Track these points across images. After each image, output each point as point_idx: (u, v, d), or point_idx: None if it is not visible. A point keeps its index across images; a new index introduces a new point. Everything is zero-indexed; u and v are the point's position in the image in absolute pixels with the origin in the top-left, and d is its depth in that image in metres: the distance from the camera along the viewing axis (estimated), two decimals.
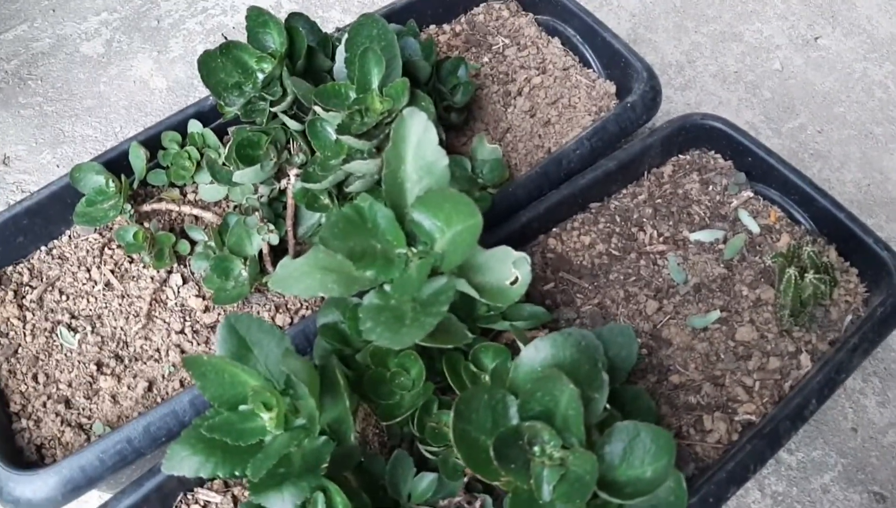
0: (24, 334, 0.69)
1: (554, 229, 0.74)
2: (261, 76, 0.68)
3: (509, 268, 0.56)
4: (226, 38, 0.71)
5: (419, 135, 0.55)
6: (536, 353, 0.48)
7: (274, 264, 0.71)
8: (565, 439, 0.46)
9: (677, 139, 0.77)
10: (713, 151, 0.78)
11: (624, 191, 0.76)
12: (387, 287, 0.55)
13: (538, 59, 0.85)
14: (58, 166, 1.00)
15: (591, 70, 0.84)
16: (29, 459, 0.63)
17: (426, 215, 0.54)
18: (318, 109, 0.66)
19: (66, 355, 0.68)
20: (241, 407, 0.50)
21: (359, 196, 0.57)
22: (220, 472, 0.48)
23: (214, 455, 0.48)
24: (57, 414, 0.65)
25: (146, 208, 0.74)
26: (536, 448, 0.46)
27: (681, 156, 0.78)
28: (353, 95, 0.66)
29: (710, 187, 0.76)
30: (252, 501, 0.49)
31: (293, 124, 0.70)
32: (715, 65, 1.11)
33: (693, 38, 1.14)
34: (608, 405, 0.47)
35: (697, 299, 0.70)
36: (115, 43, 1.13)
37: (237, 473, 0.48)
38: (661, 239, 0.73)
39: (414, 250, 0.55)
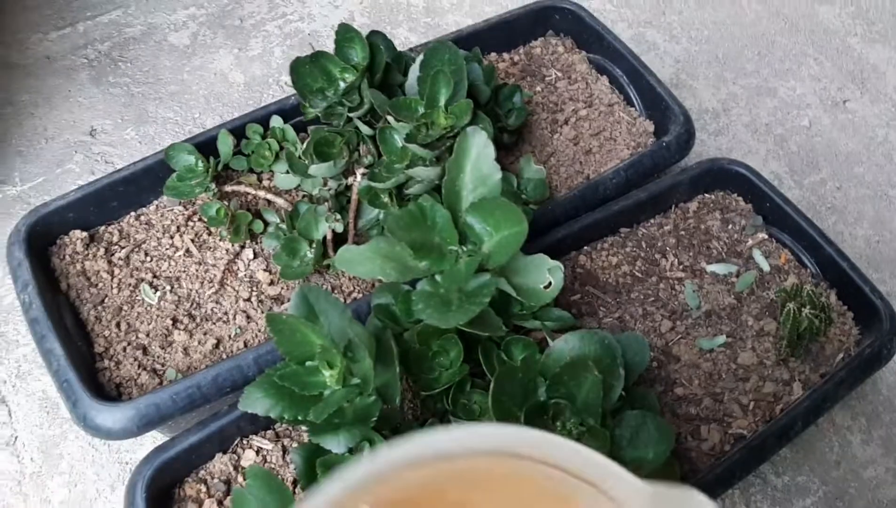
0: (111, 286, 0.79)
1: (585, 248, 0.82)
2: (343, 84, 0.78)
3: (545, 274, 0.65)
4: (313, 47, 0.80)
5: (479, 150, 0.64)
6: (565, 344, 0.57)
7: (334, 251, 0.80)
8: (584, 419, 0.54)
9: (705, 179, 0.86)
10: (736, 194, 0.87)
11: (652, 220, 0.85)
12: (437, 278, 0.64)
13: (586, 94, 0.94)
14: (140, 143, 1.10)
15: (633, 109, 0.93)
16: (109, 395, 0.73)
17: (478, 219, 0.63)
18: (390, 118, 0.75)
19: (146, 309, 0.78)
20: (308, 363, 0.59)
21: (420, 197, 0.67)
22: (286, 415, 0.57)
23: (282, 400, 0.57)
24: (135, 359, 0.74)
25: (227, 188, 0.84)
26: (558, 424, 0.55)
27: (706, 195, 0.87)
28: (421, 109, 0.75)
29: (730, 226, 0.85)
30: (311, 442, 0.58)
31: (365, 130, 0.79)
32: (748, 115, 1.19)
33: (731, 88, 1.23)
34: (623, 393, 0.56)
35: (707, 323, 0.78)
36: (199, 36, 1.24)
37: (299, 417, 0.57)
38: (680, 267, 0.82)
39: (464, 248, 0.64)
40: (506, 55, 0.98)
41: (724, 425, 0.72)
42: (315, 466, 0.58)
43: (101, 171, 1.07)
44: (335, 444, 0.55)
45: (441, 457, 0.33)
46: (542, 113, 0.93)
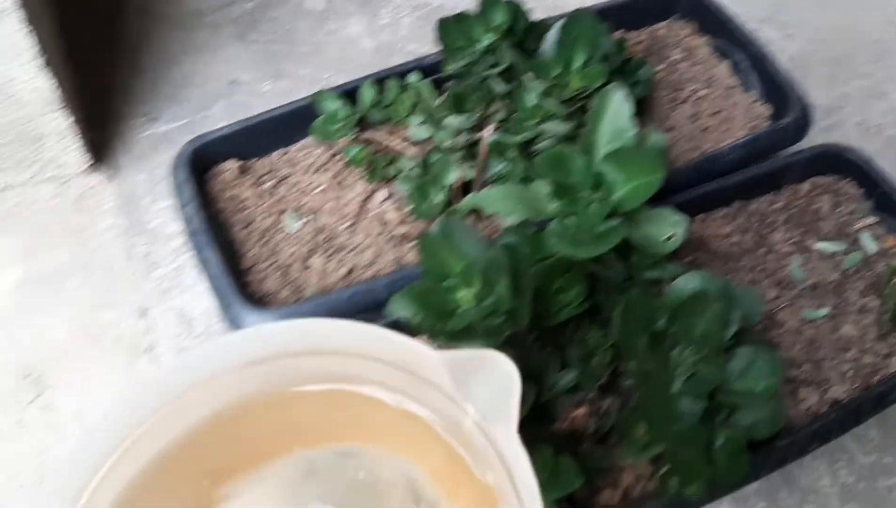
0: (258, 212, 0.87)
1: (699, 216, 0.87)
2: (484, 44, 0.84)
3: (668, 226, 0.70)
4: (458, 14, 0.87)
5: (617, 105, 0.70)
6: (688, 282, 0.62)
7: (461, 197, 0.86)
8: (699, 349, 0.59)
9: (819, 162, 0.89)
10: (849, 179, 0.90)
11: (764, 197, 0.89)
12: (569, 220, 0.69)
13: (706, 76, 0.98)
14: (275, 95, 1.18)
15: (751, 93, 0.97)
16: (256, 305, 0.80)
17: (612, 168, 0.68)
18: (525, 77, 0.81)
19: (287, 235, 0.86)
20: (446, 282, 0.65)
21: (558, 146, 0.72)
22: (426, 322, 0.63)
23: (423, 309, 0.64)
24: (277, 277, 0.82)
25: (365, 135, 0.91)
26: (675, 352, 0.60)
27: (819, 177, 0.90)
28: (557, 70, 0.81)
29: (840, 209, 0.88)
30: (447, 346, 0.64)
31: (501, 87, 0.85)
32: (859, 115, 1.21)
33: (843, 89, 1.24)
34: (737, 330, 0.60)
35: (812, 296, 0.82)
36: (334, 3, 1.32)
37: (436, 327, 0.64)
38: (789, 242, 0.85)
39: (596, 194, 0.69)
40: (633, 33, 1.02)
41: (822, 389, 0.76)
42: None
43: (240, 118, 1.16)
44: None
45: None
46: (662, 91, 0.97)
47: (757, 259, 0.84)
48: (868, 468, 0.90)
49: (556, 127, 0.79)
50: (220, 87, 1.20)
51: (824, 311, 0.80)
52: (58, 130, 0.94)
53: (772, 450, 0.69)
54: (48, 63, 0.87)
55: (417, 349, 0.38)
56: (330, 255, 0.84)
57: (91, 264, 1.03)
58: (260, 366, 0.41)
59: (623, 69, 0.91)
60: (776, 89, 0.94)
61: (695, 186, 0.87)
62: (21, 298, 0.99)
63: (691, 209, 0.86)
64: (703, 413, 0.57)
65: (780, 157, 0.90)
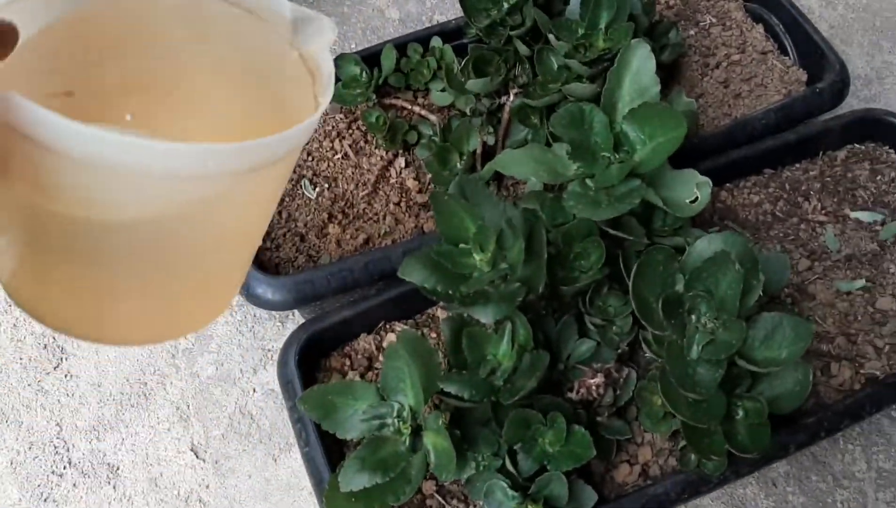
0: None
1: (728, 184, 0.83)
2: (506, 5, 0.81)
3: (692, 188, 0.67)
4: None
5: (640, 63, 0.67)
6: (708, 244, 0.59)
7: (482, 165, 0.84)
8: (719, 314, 0.56)
9: (857, 128, 0.85)
10: (888, 147, 0.86)
11: (797, 165, 0.85)
12: (588, 181, 0.67)
13: (740, 41, 0.94)
14: None
15: (787, 58, 0.93)
16: (269, 271, 0.79)
17: (634, 127, 0.65)
18: (551, 37, 0.78)
19: (305, 201, 0.84)
20: (461, 245, 0.63)
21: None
22: (438, 287, 0.61)
23: (436, 274, 0.62)
24: (293, 244, 0.81)
25: (386, 101, 0.89)
26: (693, 316, 0.57)
27: (856, 145, 0.86)
28: (582, 31, 0.78)
29: (879, 177, 0.84)
30: (459, 315, 0.63)
31: (523, 49, 0.82)
32: None
33: (886, 57, 1.19)
34: (762, 293, 0.57)
35: (847, 267, 0.78)
36: None
37: (450, 292, 0.62)
38: (823, 211, 0.82)
39: (617, 155, 0.66)
40: None
41: (857, 364, 0.72)
42: (461, 336, 0.62)
43: None
44: (484, 314, 0.59)
45: None
46: (693, 56, 0.94)
47: (789, 228, 0.81)
48: None
49: (581, 89, 0.76)
50: None
51: (860, 283, 0.77)
52: None
53: (799, 427, 0.66)
54: None
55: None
56: (347, 223, 0.83)
57: None
58: None
59: (652, 32, 0.87)
60: (812, 53, 0.90)
61: (726, 151, 0.83)
62: None
63: (720, 177, 0.83)
64: (721, 382, 0.55)
65: (816, 123, 0.86)
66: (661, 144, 0.63)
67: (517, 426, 0.59)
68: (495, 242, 0.62)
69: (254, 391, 0.93)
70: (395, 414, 0.60)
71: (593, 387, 0.62)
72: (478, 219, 0.62)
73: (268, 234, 0.81)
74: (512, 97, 0.84)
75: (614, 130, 0.66)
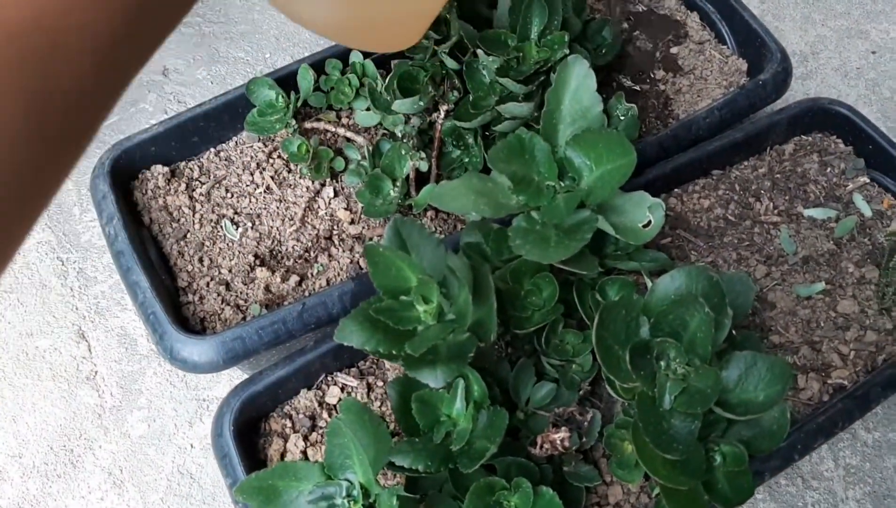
0: (193, 221, 0.78)
1: (676, 190, 0.79)
2: None
3: (644, 212, 0.62)
4: None
5: (579, 80, 0.62)
6: (672, 282, 0.54)
7: (417, 190, 0.78)
8: (689, 359, 0.52)
9: (803, 120, 0.81)
10: (835, 136, 0.82)
11: (746, 163, 0.81)
12: (534, 214, 0.62)
13: (675, 31, 0.90)
14: (211, 83, 1.09)
15: (725, 46, 0.89)
16: (193, 329, 0.72)
17: (578, 153, 0.60)
18: (479, 52, 0.73)
19: (227, 244, 0.77)
20: (403, 297, 0.57)
21: (517, 130, 0.64)
22: (381, 348, 0.56)
23: (377, 333, 0.56)
24: (218, 294, 0.74)
25: (307, 125, 0.82)
26: (662, 363, 0.52)
27: (804, 137, 0.83)
28: (513, 42, 0.72)
29: (829, 169, 0.81)
30: (406, 376, 0.57)
31: (451, 63, 0.76)
32: (838, 59, 1.14)
33: (819, 30, 1.17)
34: (734, 332, 0.53)
35: (805, 270, 0.75)
36: None
37: (394, 352, 0.56)
38: (776, 211, 0.78)
39: (562, 183, 0.61)
40: None
41: (823, 374, 0.69)
42: (409, 400, 0.57)
43: (173, 110, 1.07)
44: (433, 378, 0.54)
45: None
46: (629, 50, 0.89)
47: (743, 233, 0.77)
48: (872, 446, 0.84)
49: (517, 109, 0.71)
50: (150, 77, 1.10)
51: (819, 286, 0.73)
52: None
53: (772, 453, 0.63)
54: None
55: None
56: (276, 264, 0.76)
57: (20, 285, 0.94)
58: None
59: (585, 33, 0.82)
60: (751, 41, 0.86)
61: (671, 155, 0.79)
62: None
63: (667, 183, 0.79)
64: (698, 433, 0.51)
65: (762, 117, 0.82)
66: (609, 172, 0.58)
67: (480, 495, 0.54)
68: (438, 292, 0.57)
69: (191, 446, 0.86)
70: (344, 494, 0.55)
71: (558, 442, 0.58)
72: (418, 270, 0.57)
73: (189, 285, 0.74)
74: (443, 115, 0.78)
75: (557, 155, 0.61)
